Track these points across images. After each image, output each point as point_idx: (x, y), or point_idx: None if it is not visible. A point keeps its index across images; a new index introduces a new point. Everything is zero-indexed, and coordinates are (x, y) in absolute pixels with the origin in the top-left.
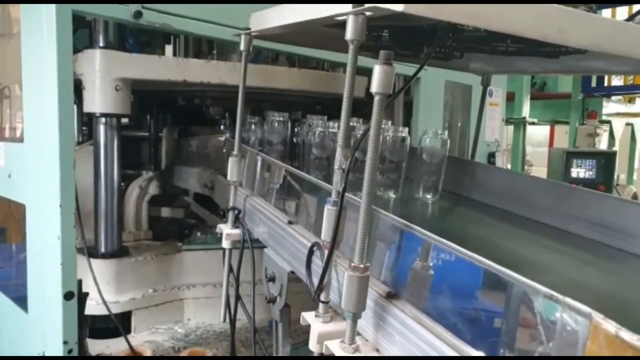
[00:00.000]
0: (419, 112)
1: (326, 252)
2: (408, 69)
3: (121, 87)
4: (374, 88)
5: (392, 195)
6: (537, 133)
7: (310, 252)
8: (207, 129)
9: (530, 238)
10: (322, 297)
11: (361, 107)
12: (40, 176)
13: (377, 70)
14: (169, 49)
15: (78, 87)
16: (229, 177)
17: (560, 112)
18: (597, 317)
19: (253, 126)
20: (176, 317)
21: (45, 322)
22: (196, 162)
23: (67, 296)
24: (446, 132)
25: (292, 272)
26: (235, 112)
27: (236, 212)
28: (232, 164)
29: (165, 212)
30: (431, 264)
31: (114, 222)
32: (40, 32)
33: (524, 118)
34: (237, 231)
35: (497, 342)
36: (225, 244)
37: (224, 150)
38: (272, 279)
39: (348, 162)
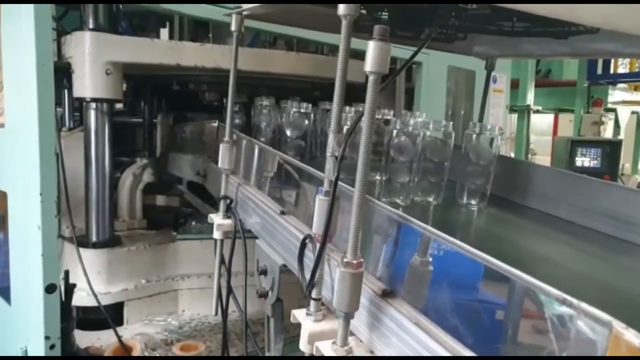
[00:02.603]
0: (421, 99)
1: (318, 245)
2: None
3: (112, 71)
4: (368, 67)
5: (431, 200)
6: (541, 121)
7: (303, 245)
8: (202, 114)
9: (595, 253)
10: (313, 294)
11: (360, 92)
12: (21, 163)
13: (372, 47)
14: (164, 32)
15: (68, 71)
16: (220, 165)
17: (565, 100)
18: (619, 326)
19: (265, 110)
20: (170, 309)
21: (28, 316)
22: (190, 149)
23: (49, 289)
24: (496, 128)
25: (285, 266)
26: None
27: (228, 201)
28: (223, 151)
29: (160, 200)
30: (430, 260)
31: (105, 210)
32: (18, 9)
33: (528, 106)
34: (229, 221)
35: (502, 348)
36: (217, 234)
37: (217, 134)
38: (263, 272)
39: (341, 149)
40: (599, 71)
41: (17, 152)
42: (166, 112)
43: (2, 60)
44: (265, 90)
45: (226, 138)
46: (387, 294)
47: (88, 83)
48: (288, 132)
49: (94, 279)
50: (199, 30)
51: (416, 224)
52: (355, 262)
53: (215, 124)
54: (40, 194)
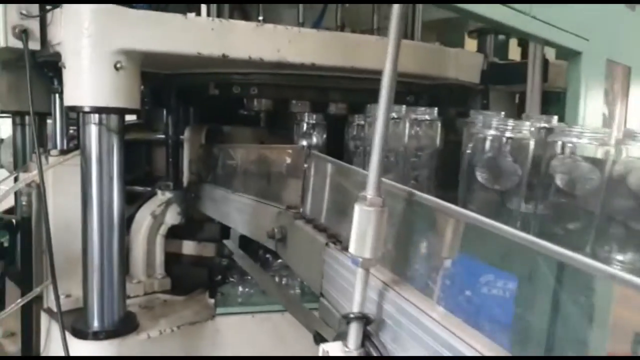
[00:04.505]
0: (580, 105)
1: None
2: None
3: (124, 65)
4: None
5: None
6: None
7: None
8: (243, 129)
9: None
10: None
11: (467, 96)
12: None
13: None
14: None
15: (55, 67)
16: (353, 250)
17: None
18: None
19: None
20: None
21: None
22: (245, 185)
23: None
24: None
25: None
26: (288, 105)
27: (364, 321)
28: (363, 219)
29: (188, 247)
30: None
31: (114, 276)
32: None
33: None
34: None
35: None
36: None
37: (305, 167)
38: None
39: None
40: None
41: None
42: (196, 126)
43: None
44: (336, 95)
45: (369, 193)
46: None
47: (88, 84)
48: (479, 176)
49: None
50: (235, 12)
51: None
52: None
53: (302, 149)
54: None
